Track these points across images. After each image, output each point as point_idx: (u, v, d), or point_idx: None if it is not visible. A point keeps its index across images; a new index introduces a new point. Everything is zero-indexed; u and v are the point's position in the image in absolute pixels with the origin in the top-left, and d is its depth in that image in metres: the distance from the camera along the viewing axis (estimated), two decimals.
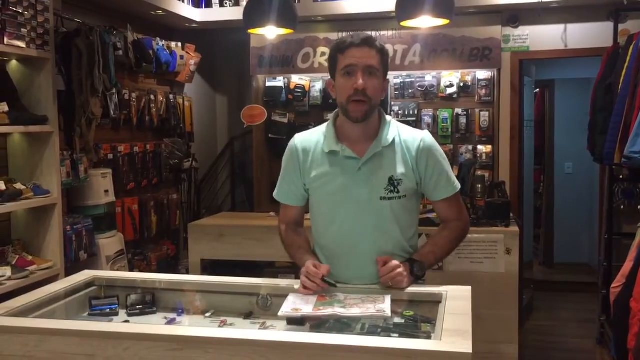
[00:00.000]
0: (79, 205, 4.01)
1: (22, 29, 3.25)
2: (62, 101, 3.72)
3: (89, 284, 2.23)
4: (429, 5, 3.37)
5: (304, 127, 5.18)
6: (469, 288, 1.95)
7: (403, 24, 3.63)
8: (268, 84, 5.50)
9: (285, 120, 5.46)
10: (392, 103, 5.21)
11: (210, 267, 4.22)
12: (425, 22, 3.59)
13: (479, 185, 4.24)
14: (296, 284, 2.02)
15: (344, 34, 5.17)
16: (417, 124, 5.09)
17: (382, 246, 2.06)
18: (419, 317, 1.84)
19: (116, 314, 2.10)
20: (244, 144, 6.22)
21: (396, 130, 2.10)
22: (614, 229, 4.48)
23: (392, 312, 1.80)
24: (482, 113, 5.09)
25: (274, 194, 2.27)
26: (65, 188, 3.72)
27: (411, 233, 2.15)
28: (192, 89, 5.71)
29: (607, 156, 3.63)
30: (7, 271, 3.17)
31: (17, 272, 3.21)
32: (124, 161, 4.59)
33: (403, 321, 1.80)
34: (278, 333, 1.80)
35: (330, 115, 2.19)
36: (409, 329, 1.75)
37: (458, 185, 2.15)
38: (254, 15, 3.74)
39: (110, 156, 4.44)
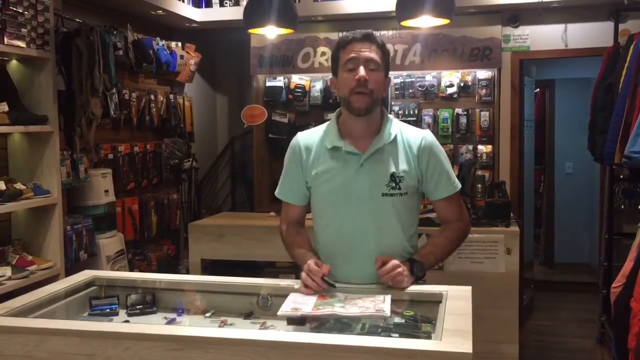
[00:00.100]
0: (79, 205, 4.01)
1: (22, 29, 3.25)
2: (62, 101, 3.72)
3: (89, 283, 2.23)
4: (429, 5, 3.37)
5: (304, 127, 5.15)
6: (469, 288, 1.95)
7: (403, 23, 3.63)
8: (268, 83, 5.50)
9: (286, 120, 5.46)
10: (393, 103, 5.21)
11: (211, 267, 4.22)
12: (426, 21, 3.59)
13: (479, 185, 4.24)
14: (296, 284, 2.02)
15: (344, 34, 5.19)
16: (417, 123, 5.08)
17: (383, 244, 2.06)
18: (419, 317, 1.84)
19: (116, 314, 2.10)
20: (244, 144, 6.23)
21: (398, 128, 2.12)
22: (614, 228, 4.48)
23: (392, 312, 1.80)
24: (482, 113, 5.09)
25: (276, 192, 2.27)
26: (65, 188, 3.72)
27: (412, 232, 2.16)
28: (192, 89, 5.71)
29: (607, 156, 3.63)
30: (7, 271, 3.17)
31: (17, 272, 3.21)
32: (124, 161, 4.59)
33: (403, 321, 1.80)
34: (278, 333, 1.80)
35: (332, 115, 2.19)
36: (409, 329, 1.75)
37: (459, 185, 2.16)
38: (254, 15, 3.74)
39: (111, 156, 4.44)
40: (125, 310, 2.12)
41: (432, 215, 3.48)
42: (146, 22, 4.98)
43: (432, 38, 5.02)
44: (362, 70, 1.99)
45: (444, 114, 5.15)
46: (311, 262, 1.97)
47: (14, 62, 3.47)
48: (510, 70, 5.00)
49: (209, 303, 2.20)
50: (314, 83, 5.41)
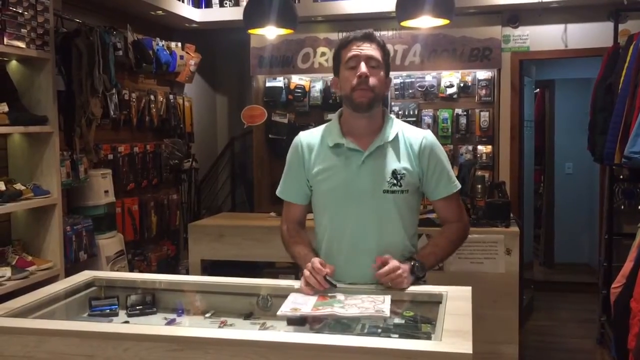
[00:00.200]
0: (78, 205, 4.01)
1: (22, 29, 3.25)
2: (62, 101, 3.72)
3: (88, 284, 2.22)
4: (429, 6, 3.37)
5: (304, 128, 5.14)
6: (469, 288, 1.95)
7: (403, 24, 3.63)
8: (268, 84, 5.50)
9: (285, 121, 5.46)
10: (393, 103, 5.21)
11: (210, 267, 4.22)
12: (426, 22, 3.59)
13: (479, 186, 4.24)
14: (296, 284, 2.02)
15: (344, 34, 5.19)
16: (417, 124, 5.08)
17: (384, 242, 2.07)
18: (419, 318, 1.84)
19: (116, 315, 2.10)
20: (244, 144, 6.22)
21: (399, 127, 2.14)
22: (614, 229, 4.48)
23: (392, 312, 1.80)
24: (482, 113, 5.10)
25: (277, 191, 2.27)
26: (65, 188, 3.72)
27: (412, 231, 2.17)
28: (192, 89, 5.71)
29: (607, 156, 3.63)
30: (7, 271, 3.17)
31: (17, 273, 3.21)
32: (123, 161, 4.59)
33: (403, 321, 1.80)
34: (278, 334, 1.80)
35: (333, 115, 2.21)
36: (409, 330, 1.75)
37: (458, 185, 2.17)
38: (254, 15, 3.74)
39: (110, 156, 4.44)
40: (125, 311, 2.12)
41: (432, 215, 3.48)
42: (146, 23, 4.98)
43: (432, 38, 5.02)
44: (363, 67, 2.02)
45: (444, 114, 5.15)
46: (315, 260, 1.97)
47: (13, 62, 3.47)
48: (510, 71, 5.00)
49: (209, 303, 2.20)
50: (314, 83, 5.41)
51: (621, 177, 4.53)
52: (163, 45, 4.92)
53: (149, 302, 2.15)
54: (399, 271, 1.94)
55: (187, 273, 4.47)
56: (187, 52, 5.28)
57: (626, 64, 3.63)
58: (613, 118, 3.62)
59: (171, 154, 5.17)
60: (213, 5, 5.24)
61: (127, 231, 4.56)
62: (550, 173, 6.86)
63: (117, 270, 4.02)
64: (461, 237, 2.19)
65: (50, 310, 1.99)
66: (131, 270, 4.40)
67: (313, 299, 1.89)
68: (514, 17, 4.95)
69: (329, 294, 1.93)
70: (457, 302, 1.83)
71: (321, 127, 2.21)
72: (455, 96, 5.15)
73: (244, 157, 6.23)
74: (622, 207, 4.58)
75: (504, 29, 4.98)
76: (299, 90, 5.40)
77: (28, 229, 3.53)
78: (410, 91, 5.23)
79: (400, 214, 2.09)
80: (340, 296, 1.92)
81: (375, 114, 2.11)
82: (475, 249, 3.72)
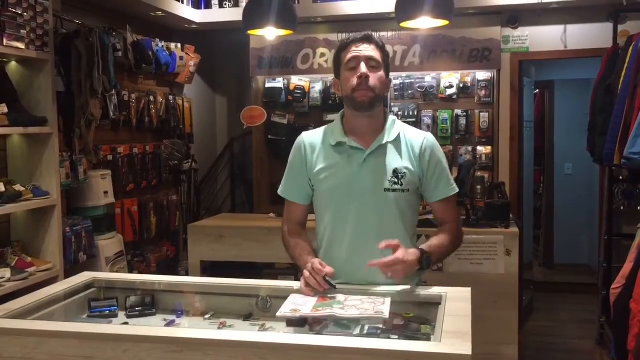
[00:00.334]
0: (78, 206, 4.01)
1: (22, 30, 3.24)
2: (62, 102, 3.72)
3: (88, 285, 2.22)
4: (429, 6, 3.37)
5: (304, 128, 5.16)
6: (468, 289, 1.95)
7: (403, 25, 3.63)
8: (268, 85, 5.50)
9: (285, 122, 5.46)
10: (392, 104, 5.21)
11: (210, 268, 4.22)
12: (425, 23, 3.59)
13: (479, 187, 4.25)
14: (296, 285, 2.02)
15: (344, 35, 5.21)
16: (416, 125, 5.08)
17: (385, 240, 2.07)
18: (419, 319, 1.84)
19: (115, 316, 2.10)
20: (243, 145, 6.22)
21: (401, 128, 2.18)
22: (613, 229, 4.48)
23: (392, 313, 1.80)
24: (481, 114, 5.10)
25: (279, 190, 2.28)
26: (64, 189, 3.72)
27: (412, 231, 2.19)
28: (191, 90, 5.71)
29: (606, 157, 3.64)
30: (6, 273, 3.17)
31: (17, 274, 3.21)
32: (123, 162, 4.58)
33: (403, 323, 1.80)
34: (277, 335, 1.80)
35: (332, 116, 2.22)
36: (409, 331, 1.75)
37: (456, 188, 2.20)
38: (254, 16, 3.74)
39: (110, 157, 4.43)
40: (124, 312, 2.12)
41: (432, 217, 3.47)
42: (145, 24, 4.98)
43: (432, 39, 5.02)
44: (363, 67, 2.06)
45: (444, 115, 5.15)
46: (315, 261, 1.97)
47: (13, 63, 3.47)
48: (510, 71, 5.00)
49: (208, 305, 2.20)
50: (314, 84, 5.41)
51: (621, 177, 4.53)
52: (162, 46, 4.92)
53: (149, 303, 2.15)
54: (402, 266, 1.92)
55: (187, 274, 4.47)
56: (186, 53, 5.28)
57: (625, 65, 3.63)
58: (612, 119, 3.62)
59: (171, 154, 5.17)
60: (213, 6, 5.24)
61: (126, 232, 4.55)
62: (549, 174, 6.86)
63: (117, 272, 4.01)
64: (460, 238, 2.20)
65: (50, 311, 1.99)
66: (130, 272, 4.39)
67: (313, 300, 1.89)
68: (514, 17, 4.95)
69: (329, 295, 1.93)
70: (456, 303, 1.83)
71: (324, 127, 2.24)
72: (454, 97, 5.15)
73: (244, 158, 6.23)
74: (622, 207, 4.58)
75: (504, 30, 4.98)
76: (299, 91, 5.40)
77: (27, 230, 3.53)
78: (410, 92, 5.23)
79: (400, 212, 2.10)
80: (340, 297, 1.92)
81: (376, 114, 2.14)
82: (474, 250, 3.72)
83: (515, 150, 5.03)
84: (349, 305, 1.85)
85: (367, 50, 2.07)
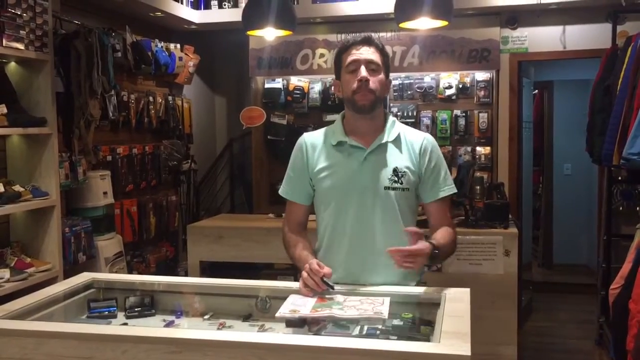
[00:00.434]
0: (77, 207, 4.01)
1: (21, 31, 3.24)
2: (61, 103, 3.72)
3: (87, 286, 2.23)
4: (428, 7, 3.37)
5: (303, 129, 5.22)
6: (467, 290, 1.95)
7: (402, 25, 3.63)
8: (267, 85, 5.50)
9: (284, 122, 5.46)
10: (391, 104, 5.21)
11: (209, 268, 4.21)
12: (424, 23, 3.59)
13: (478, 187, 4.25)
14: (295, 285, 2.02)
15: (343, 36, 5.22)
16: (415, 125, 5.08)
17: (385, 238, 2.09)
18: (418, 319, 1.84)
19: (115, 317, 2.10)
20: (242, 146, 6.22)
21: (401, 129, 2.20)
22: (612, 230, 4.48)
23: (391, 314, 1.81)
24: (480, 114, 5.10)
25: (280, 190, 2.29)
26: (63, 190, 3.71)
27: None
28: (190, 91, 5.71)
29: (605, 157, 3.64)
30: (5, 273, 3.17)
31: (16, 274, 3.21)
32: (122, 163, 4.58)
33: (402, 323, 1.80)
34: (276, 335, 1.80)
35: (332, 116, 2.24)
36: (408, 331, 1.75)
37: (454, 189, 2.20)
38: (253, 16, 3.74)
39: (109, 158, 4.43)
40: (123, 313, 2.12)
41: None
42: (145, 24, 4.98)
43: (431, 40, 5.02)
44: (363, 71, 2.08)
45: (443, 115, 5.15)
46: (313, 262, 1.98)
47: (12, 64, 3.47)
48: (509, 72, 5.00)
49: (208, 305, 2.20)
50: (313, 85, 5.41)
51: (619, 178, 4.53)
52: (162, 46, 4.92)
53: (148, 303, 2.15)
54: (419, 258, 1.91)
55: (186, 274, 4.47)
56: (186, 54, 5.27)
57: (624, 66, 3.64)
58: (611, 119, 3.62)
59: (170, 155, 5.16)
60: (212, 7, 5.24)
61: (125, 232, 4.55)
62: (549, 174, 6.86)
63: (116, 272, 4.01)
64: (455, 243, 2.18)
65: (49, 312, 1.99)
66: (130, 272, 4.39)
67: (312, 301, 1.89)
68: (513, 18, 4.95)
69: (328, 296, 1.93)
70: (455, 303, 1.84)
71: (325, 128, 2.27)
72: (453, 97, 5.15)
73: (243, 158, 6.23)
74: (621, 208, 4.58)
75: (503, 30, 4.99)
76: (298, 92, 5.40)
77: (27, 230, 3.53)
78: (409, 92, 5.23)
79: (401, 211, 2.12)
80: (339, 298, 1.92)
81: (376, 115, 2.16)
82: (473, 250, 3.72)
83: (515, 150, 5.03)
84: (348, 306, 1.85)
85: (368, 53, 2.10)
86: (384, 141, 2.14)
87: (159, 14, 4.78)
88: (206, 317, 2.10)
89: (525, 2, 4.59)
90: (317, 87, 5.39)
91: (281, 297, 1.96)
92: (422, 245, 1.92)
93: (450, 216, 2.21)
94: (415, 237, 1.93)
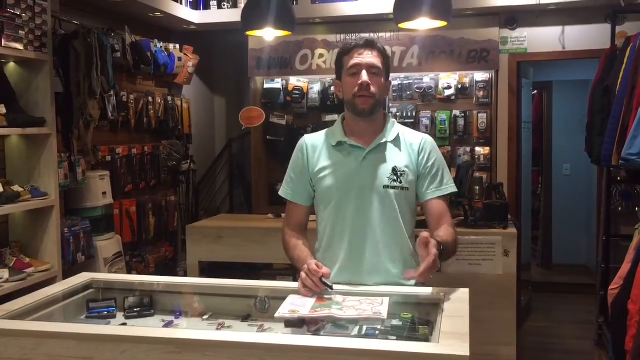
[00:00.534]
0: (76, 207, 4.01)
1: (20, 31, 3.24)
2: (60, 103, 3.72)
3: (86, 286, 2.22)
4: (427, 7, 3.37)
5: (302, 129, 5.25)
6: (466, 290, 1.95)
7: (401, 26, 3.63)
8: (266, 85, 5.50)
9: (284, 122, 5.45)
10: (390, 105, 5.21)
11: (209, 269, 4.22)
12: (423, 24, 3.59)
13: (477, 187, 4.24)
14: (294, 286, 2.02)
15: (342, 36, 5.22)
16: (415, 125, 5.08)
17: (385, 237, 2.10)
18: (417, 320, 1.84)
19: (114, 317, 2.10)
20: (242, 146, 6.22)
21: (400, 129, 2.22)
22: (611, 230, 4.48)
23: (390, 314, 1.81)
24: (480, 115, 5.10)
25: (280, 191, 2.30)
26: (63, 190, 3.71)
27: (410, 232, 2.19)
28: (190, 91, 5.71)
29: (604, 158, 3.64)
30: (4, 273, 3.17)
31: (15, 275, 3.21)
32: (121, 163, 4.58)
33: (401, 323, 1.80)
34: (276, 336, 1.80)
35: (332, 116, 2.25)
36: (407, 332, 1.75)
37: (454, 188, 2.20)
38: (252, 17, 3.74)
39: (108, 158, 4.43)
40: (122, 313, 2.12)
41: None
42: (144, 24, 4.98)
43: (430, 40, 5.02)
44: (364, 75, 2.09)
45: (442, 115, 5.15)
46: (312, 263, 1.99)
47: (11, 64, 3.47)
48: (508, 72, 5.00)
49: (207, 305, 2.20)
50: (312, 85, 5.41)
51: (618, 178, 4.53)
52: (161, 46, 4.91)
53: (147, 304, 2.15)
54: (434, 269, 1.84)
55: (185, 275, 4.47)
56: (185, 54, 5.27)
57: (623, 66, 3.64)
58: (610, 120, 3.62)
59: (169, 155, 5.16)
60: (211, 7, 5.23)
61: (125, 233, 4.55)
62: (548, 174, 6.87)
63: (115, 272, 4.01)
64: (456, 242, 2.14)
65: (48, 312, 1.99)
66: (129, 272, 4.39)
67: (311, 301, 1.90)
68: (512, 19, 4.96)
69: (327, 296, 1.93)
70: (454, 303, 1.84)
71: (325, 130, 2.29)
72: (453, 98, 5.15)
73: (242, 159, 6.23)
74: (620, 208, 4.58)
75: (502, 31, 4.99)
76: (297, 92, 5.40)
77: (26, 230, 3.53)
78: (408, 93, 5.23)
79: (400, 210, 2.13)
80: (338, 298, 1.92)
81: (376, 117, 2.18)
82: (473, 251, 3.73)
83: (514, 151, 5.03)
84: (347, 306, 1.85)
85: (370, 57, 2.11)
86: (383, 141, 2.16)
87: (158, 14, 4.78)
88: (205, 317, 2.10)
89: (524, 3, 4.60)
90: (316, 88, 5.39)
91: (280, 297, 1.96)
92: (432, 251, 1.83)
93: (450, 215, 2.20)
94: (426, 242, 1.85)
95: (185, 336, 1.66)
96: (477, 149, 5.13)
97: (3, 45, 3.15)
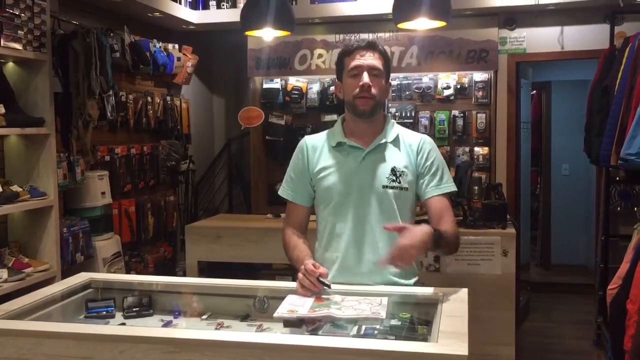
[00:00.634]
0: (75, 207, 4.00)
1: (19, 31, 3.24)
2: (59, 103, 3.72)
3: (85, 286, 2.23)
4: (426, 8, 3.38)
5: (301, 129, 5.25)
6: (465, 290, 1.96)
7: (400, 26, 3.63)
8: (265, 85, 5.50)
9: (283, 122, 5.45)
10: (390, 105, 5.21)
11: (207, 269, 4.21)
12: (422, 24, 3.60)
13: (476, 187, 4.24)
14: (293, 285, 2.02)
15: (341, 36, 5.22)
16: (414, 126, 5.09)
17: (386, 238, 2.10)
18: (416, 319, 1.85)
19: (112, 317, 2.10)
20: (241, 146, 6.22)
21: (400, 130, 2.23)
22: (610, 230, 4.49)
23: (389, 314, 1.81)
24: (478, 115, 5.10)
25: (280, 191, 2.31)
26: (61, 190, 3.71)
27: None
28: (189, 91, 5.71)
29: (603, 158, 3.65)
30: (3, 273, 3.17)
31: (14, 275, 3.21)
32: (120, 163, 4.58)
33: (399, 323, 1.81)
34: (274, 335, 1.80)
35: (331, 116, 2.26)
36: (406, 331, 1.75)
37: (454, 187, 2.20)
38: (251, 17, 3.74)
39: (107, 158, 4.43)
40: (121, 313, 2.12)
41: (427, 217, 3.47)
42: (143, 24, 4.98)
43: (429, 40, 5.03)
44: (365, 77, 2.10)
45: (441, 116, 5.15)
46: (308, 263, 1.99)
47: (10, 64, 3.46)
48: (507, 73, 5.01)
49: (206, 305, 2.20)
50: (311, 85, 5.41)
51: (617, 178, 4.54)
52: (160, 46, 4.91)
53: (146, 303, 2.15)
54: (412, 251, 1.85)
55: (184, 275, 4.47)
56: (184, 54, 5.27)
57: (622, 66, 3.65)
58: (609, 120, 3.63)
59: (168, 155, 5.16)
60: (210, 7, 5.24)
61: (124, 233, 4.55)
62: (546, 175, 6.87)
63: (114, 272, 4.01)
64: (458, 239, 2.16)
65: (47, 312, 1.99)
66: (128, 272, 4.39)
67: (310, 301, 1.90)
68: (511, 19, 4.96)
69: (326, 296, 1.93)
70: (453, 303, 1.84)
71: (325, 131, 2.31)
72: (452, 98, 5.15)
73: (241, 159, 6.23)
74: (618, 208, 4.59)
75: (501, 31, 4.99)
76: (296, 92, 5.40)
77: (25, 230, 3.53)
78: (407, 93, 5.24)
79: (399, 210, 2.14)
80: (336, 298, 1.92)
81: (376, 118, 2.20)
82: (471, 250, 3.73)
83: (513, 151, 5.04)
84: (346, 306, 1.85)
85: (371, 58, 2.12)
86: (382, 141, 2.17)
87: (157, 14, 4.78)
88: (204, 317, 2.10)
89: (523, 3, 4.60)
90: (316, 88, 5.39)
91: (279, 297, 1.96)
92: (407, 239, 1.84)
93: (452, 213, 2.19)
94: (398, 231, 1.88)
95: (184, 336, 1.66)
96: (476, 149, 5.13)
97: (2, 45, 3.15)
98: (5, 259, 3.29)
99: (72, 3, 4.14)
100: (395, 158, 2.16)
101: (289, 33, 3.91)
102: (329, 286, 1.96)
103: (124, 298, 2.14)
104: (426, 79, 5.20)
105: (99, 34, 3.97)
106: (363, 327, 1.77)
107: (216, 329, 2.00)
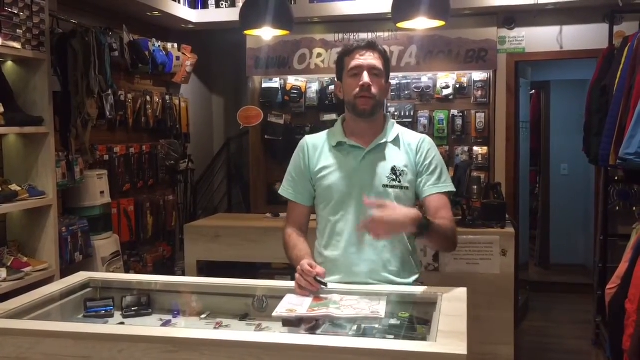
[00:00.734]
0: (74, 206, 4.00)
1: (18, 30, 3.24)
2: (58, 102, 3.71)
3: (84, 285, 2.22)
4: (425, 7, 3.37)
5: (300, 129, 5.26)
6: (464, 289, 1.96)
7: (399, 25, 3.63)
8: (264, 85, 5.50)
9: (282, 122, 5.46)
10: (389, 104, 5.22)
11: (206, 268, 4.21)
12: (421, 23, 3.60)
13: (475, 187, 4.24)
14: (292, 285, 2.03)
15: (340, 36, 5.22)
16: (413, 125, 5.10)
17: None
18: (415, 319, 1.85)
19: (111, 316, 2.10)
20: (240, 145, 6.22)
21: (400, 130, 2.24)
22: (609, 230, 4.50)
23: (388, 313, 1.81)
24: (477, 114, 5.10)
25: (280, 190, 2.31)
26: (60, 189, 3.71)
27: None
28: (188, 90, 5.71)
29: (602, 158, 3.65)
30: (2, 273, 3.17)
31: (13, 274, 3.21)
32: (119, 162, 4.58)
33: (398, 322, 1.81)
34: (273, 335, 1.80)
35: (330, 116, 2.26)
36: (405, 331, 1.75)
37: (453, 187, 2.21)
38: (250, 16, 3.74)
39: (106, 157, 4.43)
40: (120, 312, 2.12)
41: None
42: (142, 23, 4.98)
43: (428, 40, 5.03)
44: (366, 77, 2.11)
45: (440, 115, 5.15)
46: (305, 263, 2.00)
47: (9, 63, 3.46)
48: (506, 72, 5.01)
49: (205, 305, 2.20)
50: (310, 84, 5.41)
51: (616, 178, 4.54)
52: (159, 46, 4.91)
53: (145, 303, 2.15)
54: (384, 225, 1.85)
55: (183, 274, 4.47)
56: (183, 53, 5.27)
57: (621, 66, 3.65)
58: (608, 119, 3.63)
59: (167, 154, 5.16)
60: (209, 6, 5.24)
61: (122, 232, 4.55)
62: (545, 174, 6.87)
63: (113, 271, 4.01)
64: (456, 237, 2.16)
65: (46, 311, 1.99)
66: (127, 271, 4.39)
67: (308, 300, 1.90)
68: (510, 18, 4.96)
69: (324, 295, 1.94)
70: (452, 303, 1.84)
71: (326, 131, 2.31)
72: (451, 97, 5.15)
73: (240, 158, 6.23)
74: (617, 208, 4.59)
75: (500, 31, 5.00)
76: (295, 91, 5.40)
77: (23, 230, 3.53)
78: (406, 92, 5.24)
79: None
80: (335, 297, 1.92)
81: (376, 118, 2.20)
82: (470, 250, 3.73)
83: (512, 150, 5.04)
84: (345, 305, 1.85)
85: (371, 58, 2.13)
86: (382, 141, 2.17)
87: (156, 13, 4.77)
88: (203, 316, 2.10)
89: (522, 3, 4.60)
90: (315, 87, 5.39)
91: (278, 296, 1.96)
92: (388, 211, 1.86)
93: (450, 211, 2.19)
94: (379, 206, 1.88)
95: (183, 335, 1.66)
96: (475, 148, 5.13)
97: (1, 44, 3.15)
98: (4, 258, 3.29)
99: (71, 2, 4.14)
100: (395, 157, 2.16)
101: (288, 32, 3.91)
102: (325, 285, 1.96)
103: (122, 297, 2.14)
104: (425, 78, 5.20)
105: (98, 33, 3.97)
106: (362, 327, 1.77)
107: (215, 328, 2.00)
